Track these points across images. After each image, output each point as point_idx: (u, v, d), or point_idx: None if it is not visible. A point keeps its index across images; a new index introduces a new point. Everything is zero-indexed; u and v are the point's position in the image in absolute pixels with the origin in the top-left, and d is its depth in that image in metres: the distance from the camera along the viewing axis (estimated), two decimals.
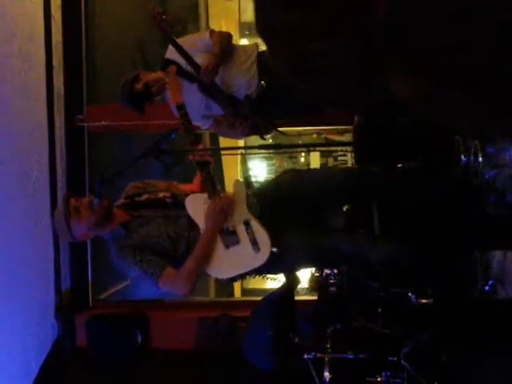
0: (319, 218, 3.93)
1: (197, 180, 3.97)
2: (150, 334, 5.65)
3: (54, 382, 5.52)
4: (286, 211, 3.73)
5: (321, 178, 3.92)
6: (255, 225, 3.60)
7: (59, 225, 3.64)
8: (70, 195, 3.67)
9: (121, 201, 3.88)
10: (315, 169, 6.60)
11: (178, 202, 3.76)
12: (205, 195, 3.66)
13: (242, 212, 3.65)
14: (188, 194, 3.79)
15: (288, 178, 4.00)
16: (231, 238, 3.62)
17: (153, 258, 3.55)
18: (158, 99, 4.57)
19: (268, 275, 4.16)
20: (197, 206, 3.68)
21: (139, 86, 4.34)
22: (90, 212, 3.56)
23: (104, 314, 5.81)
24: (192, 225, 3.68)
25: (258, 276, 3.93)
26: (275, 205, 3.76)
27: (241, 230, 3.61)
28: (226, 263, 3.62)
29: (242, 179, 4.01)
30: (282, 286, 4.46)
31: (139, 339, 5.54)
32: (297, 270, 4.08)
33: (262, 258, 3.57)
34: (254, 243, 3.57)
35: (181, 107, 3.73)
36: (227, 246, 3.60)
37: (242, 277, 3.82)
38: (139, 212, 3.76)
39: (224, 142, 6.43)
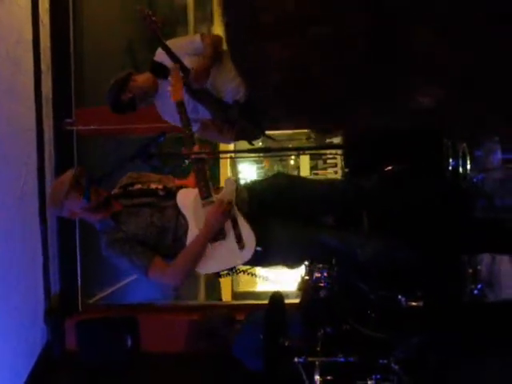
0: (308, 217, 3.94)
1: (191, 176, 3.97)
2: (139, 338, 5.63)
3: None
4: (275, 211, 3.74)
5: (311, 186, 3.95)
6: (242, 222, 3.62)
7: (56, 193, 3.60)
8: (81, 172, 3.63)
9: (115, 190, 3.87)
10: (305, 177, 6.63)
11: (169, 195, 3.77)
12: (196, 191, 3.67)
13: (232, 208, 3.67)
14: (180, 187, 3.82)
15: (279, 181, 4.01)
16: (218, 232, 3.63)
17: (141, 249, 3.57)
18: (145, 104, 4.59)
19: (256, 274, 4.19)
20: (188, 200, 3.70)
21: (125, 97, 4.37)
22: (93, 195, 3.54)
23: (94, 318, 5.79)
24: (179, 217, 3.69)
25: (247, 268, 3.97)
26: (264, 204, 3.78)
27: (228, 226, 3.62)
28: (209, 257, 3.63)
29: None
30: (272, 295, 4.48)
31: (129, 343, 5.53)
32: (281, 266, 4.06)
33: (245, 255, 3.61)
34: (240, 240, 3.59)
35: (181, 104, 3.75)
36: (213, 241, 3.61)
37: (231, 272, 3.83)
38: (130, 201, 3.76)
39: (215, 145, 6.43)
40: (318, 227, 3.87)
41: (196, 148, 3.69)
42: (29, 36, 5.55)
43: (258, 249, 3.59)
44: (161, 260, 3.59)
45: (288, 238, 3.71)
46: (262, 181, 4.29)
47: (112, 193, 3.84)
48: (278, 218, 3.73)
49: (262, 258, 3.73)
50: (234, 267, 3.75)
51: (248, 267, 3.99)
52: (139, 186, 3.89)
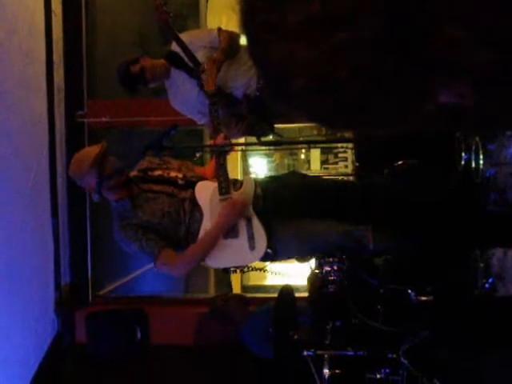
0: (319, 215, 3.94)
1: (211, 165, 3.97)
2: (149, 330, 5.64)
3: (53, 377, 5.52)
4: (288, 208, 3.74)
5: (324, 185, 3.94)
6: (256, 223, 3.63)
7: (79, 164, 3.63)
8: (106, 153, 3.66)
9: (134, 173, 3.87)
10: (320, 177, 6.63)
11: (188, 185, 3.77)
12: (215, 185, 3.68)
13: (246, 208, 3.67)
14: (199, 178, 3.84)
15: (294, 180, 4.01)
16: (231, 230, 3.63)
17: (154, 237, 3.58)
18: (154, 86, 4.58)
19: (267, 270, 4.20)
20: (206, 194, 3.71)
21: (136, 68, 4.36)
22: (113, 174, 3.57)
23: (103, 310, 5.80)
24: (195, 210, 3.69)
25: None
26: (278, 202, 3.77)
27: (241, 224, 3.63)
28: (220, 253, 3.65)
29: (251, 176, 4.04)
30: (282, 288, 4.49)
31: (138, 335, 5.54)
32: (291, 259, 4.07)
33: (255, 256, 3.64)
34: (251, 240, 3.59)
35: (213, 95, 3.78)
36: (225, 237, 3.62)
37: (238, 269, 3.86)
38: (149, 186, 3.76)
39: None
40: (327, 224, 3.87)
41: (220, 138, 3.71)
42: (41, 27, 5.55)
43: (269, 251, 3.60)
44: (171, 250, 3.60)
45: (299, 235, 3.71)
46: (276, 178, 4.28)
47: (131, 175, 3.84)
48: (291, 216, 3.73)
49: (271, 258, 3.75)
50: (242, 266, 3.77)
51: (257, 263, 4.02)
52: (160, 172, 3.88)
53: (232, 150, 3.81)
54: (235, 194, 3.67)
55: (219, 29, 4.49)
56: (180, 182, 3.80)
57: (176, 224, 3.67)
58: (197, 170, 4.03)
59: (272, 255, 3.65)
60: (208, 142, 3.73)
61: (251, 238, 3.60)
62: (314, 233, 3.74)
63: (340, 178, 7.27)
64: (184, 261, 3.61)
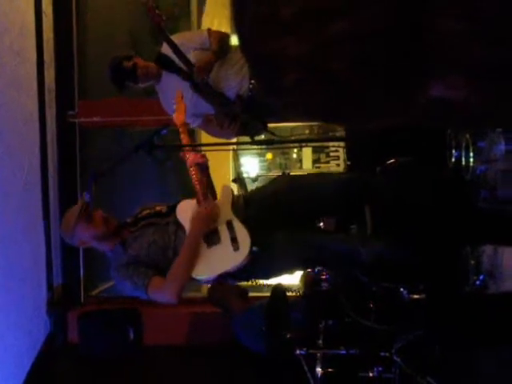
0: (310, 221, 3.94)
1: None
2: (142, 330, 5.63)
3: (45, 378, 5.50)
4: (273, 216, 3.72)
5: (315, 186, 3.93)
6: (237, 224, 3.61)
7: (67, 222, 3.69)
8: (88, 203, 3.67)
9: (127, 220, 3.90)
10: (310, 175, 6.62)
11: (170, 211, 3.79)
12: (194, 201, 3.69)
13: (226, 213, 3.69)
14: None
15: (284, 183, 4.01)
16: (212, 237, 3.62)
17: (144, 270, 3.58)
18: (142, 86, 4.58)
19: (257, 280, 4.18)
20: (187, 213, 3.71)
21: (128, 64, 4.37)
22: (101, 224, 3.64)
23: (96, 310, 5.80)
24: (180, 231, 3.69)
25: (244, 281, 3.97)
26: (262, 210, 3.77)
27: (223, 229, 3.62)
28: (204, 263, 3.60)
29: (234, 177, 4.03)
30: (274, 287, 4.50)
31: (131, 335, 5.53)
32: (283, 272, 4.02)
33: (240, 255, 3.55)
34: (234, 242, 3.56)
35: (183, 126, 3.84)
36: (208, 245, 3.60)
37: (226, 279, 3.82)
38: (137, 225, 3.78)
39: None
40: (318, 231, 3.87)
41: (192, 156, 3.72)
42: (32, 27, 5.55)
43: (254, 249, 3.55)
44: (159, 278, 3.56)
45: (287, 244, 3.67)
46: (260, 188, 4.28)
47: (126, 221, 3.87)
48: (276, 224, 3.70)
49: (259, 263, 3.68)
50: (233, 274, 3.71)
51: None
52: (147, 211, 3.90)
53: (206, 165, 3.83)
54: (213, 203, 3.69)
55: (209, 30, 4.51)
56: (163, 210, 3.83)
57: (163, 249, 3.66)
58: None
59: (258, 253, 3.60)
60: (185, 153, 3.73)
61: (234, 240, 3.57)
62: (304, 238, 3.72)
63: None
64: (169, 282, 3.53)
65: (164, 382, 5.41)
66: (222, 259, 3.59)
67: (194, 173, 3.67)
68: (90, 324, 5.60)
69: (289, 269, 3.95)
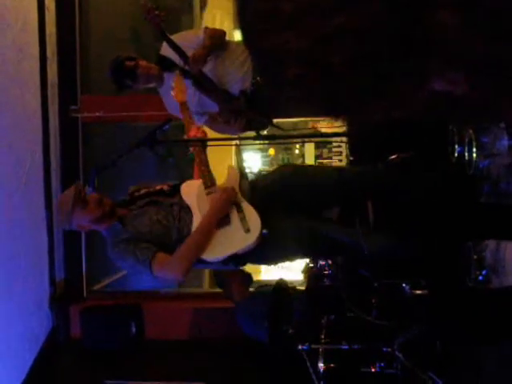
0: (314, 210, 3.93)
1: (196, 169, 3.98)
2: (144, 325, 5.65)
3: (48, 372, 5.52)
4: (277, 205, 3.73)
5: (317, 178, 3.93)
6: (246, 206, 3.60)
7: (62, 209, 3.64)
8: (82, 185, 3.68)
9: (121, 198, 3.90)
10: (313, 166, 6.63)
11: (174, 191, 3.78)
12: (199, 182, 3.67)
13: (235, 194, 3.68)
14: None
15: (283, 175, 4.00)
16: (222, 219, 3.62)
17: (146, 245, 3.55)
18: (142, 88, 4.59)
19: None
20: (192, 193, 3.68)
21: (130, 63, 4.37)
22: (96, 207, 3.58)
23: (98, 304, 5.81)
24: (184, 212, 3.69)
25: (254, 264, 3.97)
26: (266, 198, 3.77)
27: (232, 210, 3.61)
28: (216, 244, 3.57)
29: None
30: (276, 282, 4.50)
31: (133, 330, 5.54)
32: (288, 258, 4.04)
33: (252, 237, 3.52)
34: (244, 223, 3.56)
35: (184, 104, 3.84)
36: (218, 227, 3.60)
37: (236, 263, 3.81)
38: (136, 204, 3.77)
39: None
40: (322, 220, 3.86)
41: (193, 130, 3.72)
42: (34, 23, 5.55)
43: (265, 231, 3.55)
44: (164, 254, 3.50)
45: (290, 232, 3.67)
46: (266, 175, 4.29)
47: (119, 200, 3.86)
48: (280, 212, 3.70)
49: (267, 247, 3.68)
50: (241, 257, 3.72)
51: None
52: (145, 189, 3.89)
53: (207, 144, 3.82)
54: (220, 184, 3.68)
55: (205, 28, 4.52)
56: (166, 189, 3.82)
57: (167, 229, 3.63)
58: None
59: (268, 236, 3.60)
60: (185, 136, 3.72)
61: (244, 221, 3.58)
62: (308, 227, 3.72)
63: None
64: (177, 259, 3.49)
65: (165, 376, 5.42)
66: (232, 240, 3.56)
67: (197, 154, 3.67)
68: (92, 319, 5.62)
69: (291, 255, 3.96)
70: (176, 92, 3.93)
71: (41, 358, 5.43)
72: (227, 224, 3.59)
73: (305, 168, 4.52)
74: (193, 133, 3.70)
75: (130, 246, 3.55)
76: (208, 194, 3.64)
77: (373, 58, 0.81)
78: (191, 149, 3.73)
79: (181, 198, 3.70)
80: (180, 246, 3.52)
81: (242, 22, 0.88)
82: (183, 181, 3.86)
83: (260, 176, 4.31)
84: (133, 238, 3.59)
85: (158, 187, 3.86)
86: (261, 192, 3.78)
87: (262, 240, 3.55)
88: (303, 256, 4.55)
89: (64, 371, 5.58)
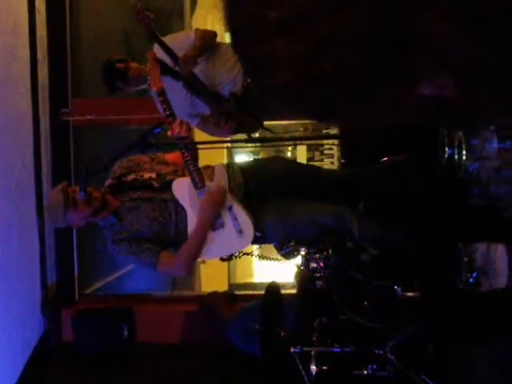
0: (303, 196, 3.99)
1: (177, 153, 3.99)
2: (136, 328, 5.64)
3: (40, 376, 5.50)
4: (271, 190, 3.81)
5: (309, 169, 4.00)
6: (238, 210, 3.70)
7: (55, 213, 3.73)
8: (68, 186, 3.74)
9: (108, 181, 3.93)
10: (304, 163, 6.71)
11: (164, 186, 3.81)
12: (189, 180, 3.72)
13: (225, 197, 3.77)
14: (173, 173, 3.93)
15: (276, 162, 4.10)
16: (217, 221, 3.71)
17: (147, 245, 3.68)
18: (133, 90, 4.59)
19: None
20: (183, 191, 3.79)
21: (121, 65, 4.38)
22: (86, 205, 3.66)
23: (90, 308, 5.79)
24: (180, 208, 3.79)
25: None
26: (260, 184, 3.85)
27: (225, 213, 3.69)
28: (211, 245, 3.74)
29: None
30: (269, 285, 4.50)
31: (125, 333, 5.53)
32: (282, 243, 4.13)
33: (245, 241, 3.76)
34: (237, 227, 3.67)
35: (160, 93, 3.79)
36: (213, 229, 3.69)
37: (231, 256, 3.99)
38: (127, 195, 3.80)
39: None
40: (312, 205, 3.91)
41: (176, 127, 3.70)
42: (25, 25, 5.53)
43: (258, 234, 3.68)
44: (167, 254, 3.74)
45: (286, 218, 3.80)
46: (257, 160, 4.39)
47: (106, 184, 3.89)
48: (274, 198, 3.82)
49: (261, 241, 3.95)
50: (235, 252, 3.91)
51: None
52: (133, 176, 3.91)
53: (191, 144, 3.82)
54: (211, 186, 3.71)
55: (196, 30, 4.53)
56: (155, 184, 3.86)
57: (165, 226, 3.77)
58: (168, 157, 4.06)
59: (261, 238, 3.75)
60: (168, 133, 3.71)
61: (237, 224, 3.68)
62: (301, 214, 3.81)
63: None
64: (181, 260, 3.72)
65: (157, 380, 5.40)
66: (226, 243, 3.78)
67: (186, 154, 3.69)
68: (84, 322, 5.61)
69: (285, 239, 4.05)
70: (152, 79, 3.91)
71: (32, 362, 5.40)
72: (221, 227, 3.71)
73: (296, 162, 4.61)
74: (176, 129, 3.68)
75: (131, 247, 3.71)
76: (199, 194, 3.70)
77: (361, 63, 0.81)
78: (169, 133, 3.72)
79: (173, 195, 3.77)
80: (181, 248, 3.72)
81: (231, 28, 0.88)
82: (173, 173, 3.90)
83: (250, 162, 4.38)
84: (133, 238, 3.72)
85: (146, 175, 3.89)
86: (254, 181, 3.88)
87: (255, 240, 3.71)
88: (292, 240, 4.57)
89: (56, 375, 5.55)
